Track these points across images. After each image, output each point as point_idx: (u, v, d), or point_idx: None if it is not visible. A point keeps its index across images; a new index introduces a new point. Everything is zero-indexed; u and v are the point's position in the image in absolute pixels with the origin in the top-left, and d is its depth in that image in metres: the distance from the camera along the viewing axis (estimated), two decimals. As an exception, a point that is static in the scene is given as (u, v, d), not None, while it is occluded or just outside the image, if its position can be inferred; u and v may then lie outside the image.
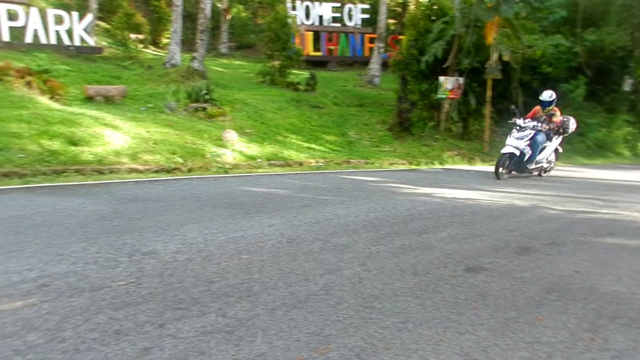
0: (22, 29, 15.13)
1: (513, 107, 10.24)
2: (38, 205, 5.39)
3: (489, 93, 14.75)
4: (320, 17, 24.13)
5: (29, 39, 15.19)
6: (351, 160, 11.85)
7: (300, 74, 18.71)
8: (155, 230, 4.66)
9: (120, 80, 14.42)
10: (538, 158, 9.96)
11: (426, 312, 3.18)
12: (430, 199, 7.18)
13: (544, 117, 10.07)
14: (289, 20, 19.05)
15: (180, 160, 8.85)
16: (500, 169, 9.50)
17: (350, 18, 24.55)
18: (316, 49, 24.11)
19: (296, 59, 18.63)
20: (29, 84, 10.38)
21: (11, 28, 14.91)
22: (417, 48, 15.83)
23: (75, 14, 16.21)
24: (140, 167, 8.20)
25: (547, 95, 9.99)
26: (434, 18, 16.20)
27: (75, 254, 3.89)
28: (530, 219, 6.08)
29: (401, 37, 19.95)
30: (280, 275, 3.75)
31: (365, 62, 22.67)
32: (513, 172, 9.99)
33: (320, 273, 3.82)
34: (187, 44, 17.87)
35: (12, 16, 14.94)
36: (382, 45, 20.77)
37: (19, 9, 15.11)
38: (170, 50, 17.21)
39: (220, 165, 9.15)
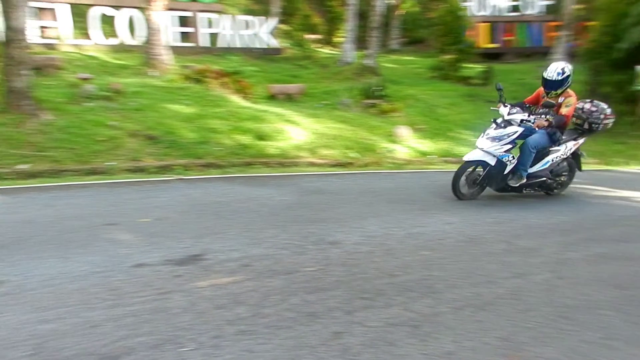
0: (216, 35, 16.93)
1: (498, 85, 6.29)
2: (235, 193, 6.01)
3: None
4: (496, 7, 22.87)
5: (222, 43, 16.95)
6: (530, 158, 11.06)
7: (473, 68, 17.99)
8: (337, 222, 4.88)
9: (299, 78, 15.34)
10: (533, 170, 6.03)
11: (636, 331, 2.84)
12: (629, 204, 6.38)
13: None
14: (462, 12, 18.42)
15: (355, 155, 9.14)
16: (462, 184, 5.93)
17: (530, 6, 22.85)
18: (491, 40, 22.92)
19: (469, 52, 17.96)
20: (223, 84, 11.61)
21: (208, 34, 16.79)
22: (612, 34, 14.12)
23: (261, 19, 17.68)
24: (318, 161, 8.65)
25: (554, 70, 5.91)
26: (633, 0, 14.28)
27: (269, 239, 4.26)
28: None
29: (591, 23, 18.00)
30: (463, 274, 3.66)
31: (545, 53, 20.84)
32: (488, 189, 6.13)
33: (506, 276, 3.64)
34: (360, 42, 18.32)
35: (209, 23, 16.81)
36: (567, 33, 18.96)
37: (215, 17, 16.93)
38: (344, 49, 17.82)
39: (393, 160, 9.24)
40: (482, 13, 22.67)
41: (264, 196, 5.90)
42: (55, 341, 2.56)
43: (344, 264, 3.79)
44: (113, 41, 14.68)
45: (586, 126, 6.34)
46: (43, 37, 13.32)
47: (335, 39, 22.89)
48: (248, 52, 17.02)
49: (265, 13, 18.98)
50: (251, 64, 15.31)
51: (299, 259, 3.85)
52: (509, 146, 5.80)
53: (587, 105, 6.37)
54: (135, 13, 14.69)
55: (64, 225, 4.37)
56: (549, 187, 6.40)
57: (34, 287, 3.15)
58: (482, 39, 22.30)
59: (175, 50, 14.05)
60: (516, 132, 5.77)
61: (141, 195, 5.74)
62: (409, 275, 3.61)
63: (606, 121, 6.30)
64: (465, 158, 5.92)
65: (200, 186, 6.38)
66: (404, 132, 10.62)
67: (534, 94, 6.37)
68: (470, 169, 5.94)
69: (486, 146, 5.77)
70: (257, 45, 17.56)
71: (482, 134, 5.90)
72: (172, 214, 4.91)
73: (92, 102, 8.87)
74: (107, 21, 14.68)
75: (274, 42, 17.99)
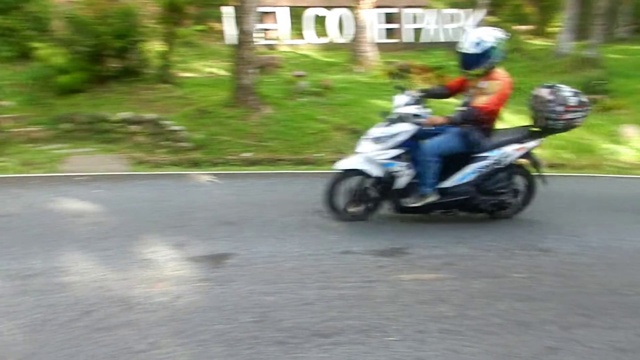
0: (420, 30, 16.88)
1: (402, 67, 3.82)
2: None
3: None
4: None
5: (426, 38, 16.85)
6: None
7: None
8: (548, 227, 4.50)
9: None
10: (449, 185, 4.35)
11: None
12: None
13: (472, 91, 4.28)
14: None
15: (570, 156, 8.29)
16: (341, 200, 4.45)
17: None
18: None
19: None
20: (426, 79, 11.54)
21: (412, 30, 16.85)
22: None
23: (467, 12, 17.10)
24: (524, 161, 8.06)
25: (469, 41, 4.11)
26: None
27: (473, 239, 4.10)
28: None
29: None
30: None
31: None
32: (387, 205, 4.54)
33: None
34: (579, 31, 16.51)
35: (413, 19, 16.85)
36: None
37: (419, 12, 16.90)
38: (560, 39, 16.25)
39: (615, 164, 8.14)
40: None
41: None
42: (276, 312, 2.83)
43: (558, 274, 3.48)
44: (323, 40, 15.66)
45: (545, 125, 4.38)
46: (265, 38, 14.84)
47: (549, 29, 21.02)
48: (452, 47, 16.58)
49: (472, 5, 18.28)
50: (455, 59, 14.92)
51: (506, 263, 3.65)
52: (397, 151, 4.21)
53: (544, 93, 4.36)
54: (345, 12, 15.43)
55: (281, 209, 4.81)
56: (477, 208, 4.52)
57: (257, 261, 3.54)
58: None
59: (380, 46, 14.38)
60: (403, 132, 4.16)
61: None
62: (640, 295, 3.16)
63: (569, 115, 4.25)
64: (340, 166, 4.40)
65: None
66: (631, 131, 9.27)
67: (457, 79, 4.62)
68: (355, 180, 4.43)
69: (367, 151, 4.27)
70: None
71: (366, 136, 4.36)
72: (375, 206, 5.05)
73: (304, 97, 9.59)
74: (319, 21, 15.70)
75: (481, 35, 17.26)
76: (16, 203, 4.81)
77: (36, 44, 9.34)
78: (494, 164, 4.34)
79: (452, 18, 17.08)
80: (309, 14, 15.46)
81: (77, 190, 5.36)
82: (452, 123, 4.16)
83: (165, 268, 3.40)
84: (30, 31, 9.94)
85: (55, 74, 8.79)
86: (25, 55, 9.74)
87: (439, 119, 4.14)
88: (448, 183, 4.36)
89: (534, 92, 4.54)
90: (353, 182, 4.42)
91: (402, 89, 4.43)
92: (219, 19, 14.25)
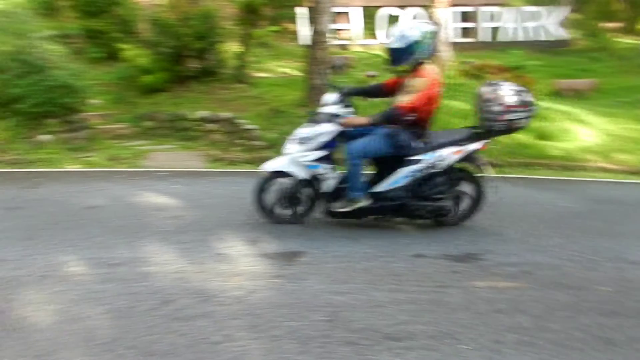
0: (497, 28, 16.28)
1: (336, 60, 3.60)
2: (513, 195, 5.63)
3: None
4: None
5: (503, 37, 16.25)
6: None
7: None
8: (639, 238, 4.20)
9: (590, 73, 13.66)
10: (382, 189, 4.04)
11: None
12: None
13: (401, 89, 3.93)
14: None
15: (661, 162, 7.72)
16: (273, 201, 4.27)
17: None
18: None
19: None
20: (504, 80, 11.12)
21: (490, 29, 16.29)
22: None
23: (549, 9, 16.32)
24: (611, 167, 7.57)
25: (394, 34, 3.83)
26: None
27: (553, 248, 3.91)
28: None
29: None
30: None
31: None
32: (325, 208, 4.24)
33: None
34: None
35: (491, 17, 16.30)
36: None
37: (497, 10, 16.31)
38: (653, 37, 15.18)
39: None
40: None
41: (546, 200, 5.46)
42: (346, 313, 2.83)
43: (651, 289, 3.24)
44: (396, 40, 15.53)
45: (483, 123, 4.01)
46: (338, 38, 14.89)
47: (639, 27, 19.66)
48: (531, 46, 15.96)
49: (554, 2, 17.45)
50: (535, 58, 14.35)
51: (590, 275, 3.45)
52: (321, 153, 4.01)
53: (486, 91, 4.00)
54: (419, 11, 15.20)
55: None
56: (414, 214, 4.17)
57: (328, 261, 3.56)
58: None
59: (455, 46, 14.05)
60: (325, 132, 3.97)
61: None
62: None
63: (509, 116, 3.85)
64: (266, 167, 4.24)
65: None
66: None
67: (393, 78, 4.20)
68: (285, 182, 4.23)
69: (292, 152, 4.10)
70: (543, 38, 16.30)
71: (293, 136, 4.18)
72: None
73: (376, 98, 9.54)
74: (393, 21, 15.57)
75: (562, 33, 16.44)
76: (103, 195, 5.12)
77: (123, 46, 9.87)
78: (429, 167, 4.03)
79: (533, 16, 16.39)
80: (382, 14, 15.37)
81: (158, 184, 5.63)
82: (374, 124, 3.93)
83: (240, 263, 3.49)
84: (117, 33, 10.55)
85: (140, 74, 9.26)
86: (112, 56, 10.34)
87: (358, 120, 3.99)
88: (380, 187, 4.11)
89: (477, 90, 4.22)
90: (283, 184, 4.27)
91: (336, 88, 4.24)
92: (293, 19, 14.48)
